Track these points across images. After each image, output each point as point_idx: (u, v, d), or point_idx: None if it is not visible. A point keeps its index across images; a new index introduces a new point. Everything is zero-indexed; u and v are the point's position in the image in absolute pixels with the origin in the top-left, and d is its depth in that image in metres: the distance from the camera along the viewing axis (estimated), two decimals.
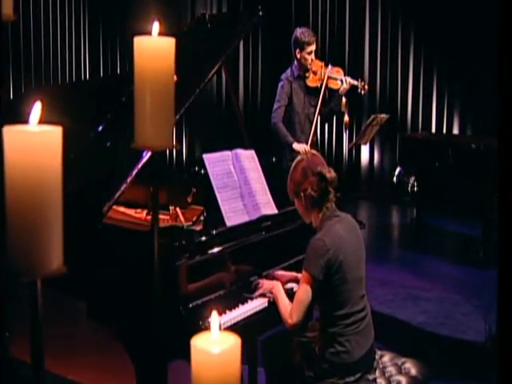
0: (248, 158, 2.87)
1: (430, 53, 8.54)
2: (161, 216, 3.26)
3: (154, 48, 0.92)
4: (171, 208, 3.26)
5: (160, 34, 0.91)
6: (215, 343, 0.74)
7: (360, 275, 2.46)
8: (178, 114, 2.78)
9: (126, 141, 2.90)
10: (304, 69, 4.65)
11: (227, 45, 3.07)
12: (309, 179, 2.41)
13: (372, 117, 4.71)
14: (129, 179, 2.55)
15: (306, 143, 4.63)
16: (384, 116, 4.83)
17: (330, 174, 2.43)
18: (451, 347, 3.99)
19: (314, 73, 4.66)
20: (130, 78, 3.18)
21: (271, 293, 2.52)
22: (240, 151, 2.84)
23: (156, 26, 0.92)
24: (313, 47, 4.58)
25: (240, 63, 9.67)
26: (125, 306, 2.39)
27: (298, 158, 2.52)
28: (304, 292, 2.36)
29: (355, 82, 4.61)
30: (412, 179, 7.48)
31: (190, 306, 2.34)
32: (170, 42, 0.94)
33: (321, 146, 8.93)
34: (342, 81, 4.61)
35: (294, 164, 2.51)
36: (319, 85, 4.66)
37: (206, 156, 2.68)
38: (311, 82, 4.68)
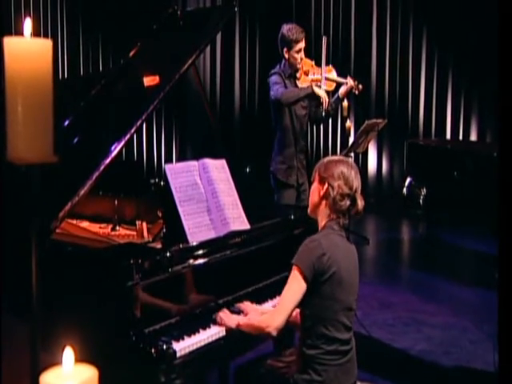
0: (217, 168, 2.87)
1: (445, 52, 8.54)
2: (126, 231, 3.28)
3: (28, 50, 0.91)
4: (138, 223, 3.27)
5: (35, 34, 0.92)
6: (68, 378, 0.74)
7: (349, 304, 2.45)
8: (140, 119, 2.81)
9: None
10: (294, 69, 4.65)
11: (198, 43, 3.09)
12: (339, 182, 2.43)
13: (366, 122, 4.69)
14: (82, 191, 2.55)
15: (297, 151, 4.65)
16: (381, 121, 4.81)
17: (361, 202, 2.46)
18: (455, 378, 3.95)
19: (305, 73, 4.66)
20: (98, 80, 3.23)
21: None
22: (208, 161, 2.85)
23: (28, 25, 0.92)
24: (301, 45, 4.57)
25: (236, 62, 9.72)
26: (72, 331, 2.39)
27: (342, 157, 2.59)
28: (291, 290, 2.36)
29: (351, 83, 4.61)
30: (424, 191, 7.46)
31: (146, 331, 2.34)
32: (46, 44, 0.94)
33: (323, 152, 8.95)
34: (339, 83, 4.62)
35: (338, 158, 2.55)
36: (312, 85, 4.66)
37: (167, 166, 2.69)
38: (303, 83, 4.68)
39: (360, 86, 4.64)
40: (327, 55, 4.70)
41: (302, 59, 4.60)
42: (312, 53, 5.12)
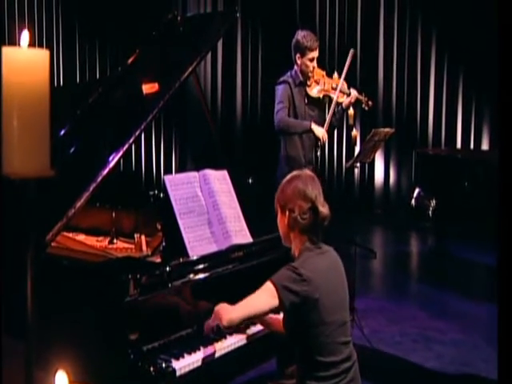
0: (219, 179, 2.89)
1: (455, 57, 8.55)
2: (124, 244, 3.28)
3: (24, 61, 0.93)
4: (136, 236, 3.28)
5: (31, 45, 0.93)
6: None
7: (342, 319, 2.44)
8: (138, 129, 2.82)
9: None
10: (305, 76, 4.72)
11: (199, 50, 3.12)
12: (298, 201, 2.43)
13: (373, 131, 4.71)
14: (78, 203, 2.56)
15: (305, 163, 4.70)
16: (388, 130, 4.84)
17: (324, 208, 2.45)
18: None
19: (316, 82, 4.73)
20: (95, 87, 3.25)
21: (219, 324, 2.49)
22: (209, 172, 2.86)
23: (25, 36, 0.93)
24: (315, 54, 4.67)
25: (238, 69, 9.75)
26: (68, 348, 2.40)
27: (296, 173, 2.54)
28: (261, 300, 2.36)
29: (360, 97, 4.70)
30: (433, 202, 7.46)
31: (145, 349, 2.34)
32: (43, 55, 0.95)
33: (328, 162, 8.96)
34: (347, 94, 4.69)
35: (289, 176, 2.53)
36: (321, 96, 4.74)
37: (167, 177, 2.71)
38: (313, 91, 4.74)
39: (370, 103, 4.73)
40: (350, 69, 4.76)
41: (314, 68, 4.67)
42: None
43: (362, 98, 4.73)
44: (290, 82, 4.73)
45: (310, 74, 4.69)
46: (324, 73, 4.78)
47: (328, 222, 2.48)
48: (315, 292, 2.33)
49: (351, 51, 4.78)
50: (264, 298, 2.35)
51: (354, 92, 4.69)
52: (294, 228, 2.45)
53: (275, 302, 2.33)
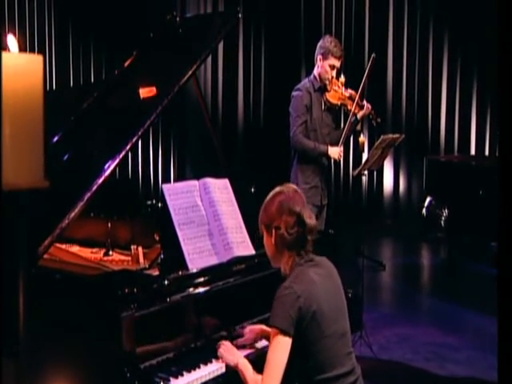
0: (220, 188, 2.90)
1: (469, 58, 8.57)
2: (120, 257, 3.29)
3: (16, 67, 0.92)
4: (133, 247, 3.29)
5: (21, 49, 0.93)
6: None
7: (342, 329, 2.47)
8: (136, 135, 2.84)
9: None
10: (323, 82, 4.79)
11: (199, 53, 3.14)
12: (284, 217, 2.46)
13: (382, 138, 4.75)
14: (72, 214, 2.57)
15: (320, 170, 4.82)
16: (397, 136, 4.88)
17: (311, 219, 2.49)
18: None
19: (335, 90, 4.79)
20: (90, 92, 3.26)
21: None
22: (209, 180, 2.88)
23: (12, 41, 0.93)
24: (337, 62, 4.74)
25: (239, 72, 9.78)
26: (62, 367, 2.40)
27: (277, 189, 2.56)
28: (276, 353, 2.35)
29: (372, 111, 4.79)
30: (445, 211, 7.46)
31: (142, 366, 2.35)
32: (36, 61, 0.95)
33: (334, 170, 8.97)
34: (361, 107, 4.76)
35: (271, 194, 2.56)
36: (339, 103, 4.80)
37: (165, 186, 2.72)
38: (332, 97, 4.80)
39: (379, 120, 4.89)
40: (370, 75, 4.81)
41: (332, 78, 4.72)
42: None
43: (373, 112, 4.81)
44: (308, 87, 4.81)
45: (327, 82, 4.75)
46: (339, 83, 4.84)
47: (316, 233, 2.51)
48: (311, 304, 2.36)
49: (372, 56, 4.81)
50: (279, 348, 2.34)
51: (367, 105, 4.77)
52: (281, 246, 2.48)
53: (289, 340, 2.33)
